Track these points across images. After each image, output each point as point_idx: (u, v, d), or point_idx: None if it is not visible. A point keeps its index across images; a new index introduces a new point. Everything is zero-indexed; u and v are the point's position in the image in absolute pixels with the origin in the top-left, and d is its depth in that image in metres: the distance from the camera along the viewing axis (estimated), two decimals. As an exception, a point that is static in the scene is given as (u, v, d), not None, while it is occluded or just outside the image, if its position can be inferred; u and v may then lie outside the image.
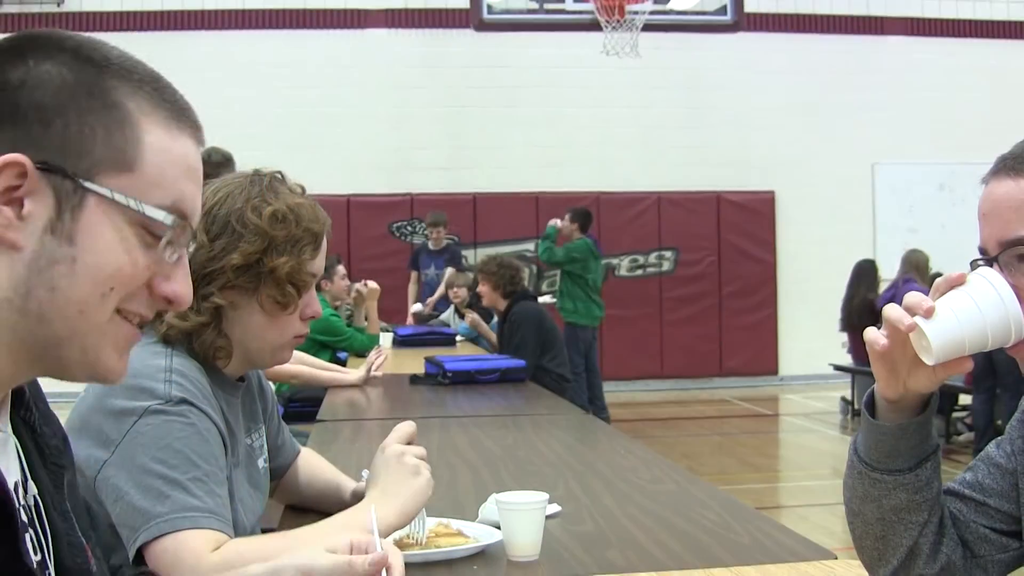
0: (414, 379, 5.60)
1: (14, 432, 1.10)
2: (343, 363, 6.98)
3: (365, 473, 2.34)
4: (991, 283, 1.44)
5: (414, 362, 6.19)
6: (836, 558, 2.01)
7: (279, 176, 2.18)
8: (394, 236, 13.63)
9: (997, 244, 1.50)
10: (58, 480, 1.16)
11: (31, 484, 1.11)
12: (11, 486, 1.03)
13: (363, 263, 12.53)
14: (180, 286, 1.09)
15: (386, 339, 8.57)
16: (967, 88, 14.33)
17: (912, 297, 1.47)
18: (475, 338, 8.81)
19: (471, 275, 9.69)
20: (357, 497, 2.35)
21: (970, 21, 14.74)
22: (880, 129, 14.30)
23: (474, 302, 9.54)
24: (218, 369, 2.11)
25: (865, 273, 10.76)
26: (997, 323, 1.43)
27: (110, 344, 1.06)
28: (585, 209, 10.96)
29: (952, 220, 13.88)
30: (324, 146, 12.99)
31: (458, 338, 8.56)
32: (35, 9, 12.93)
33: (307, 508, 2.52)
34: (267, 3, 13.58)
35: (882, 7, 14.54)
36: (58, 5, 13.02)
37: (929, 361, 1.45)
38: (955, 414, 9.64)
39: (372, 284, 7.44)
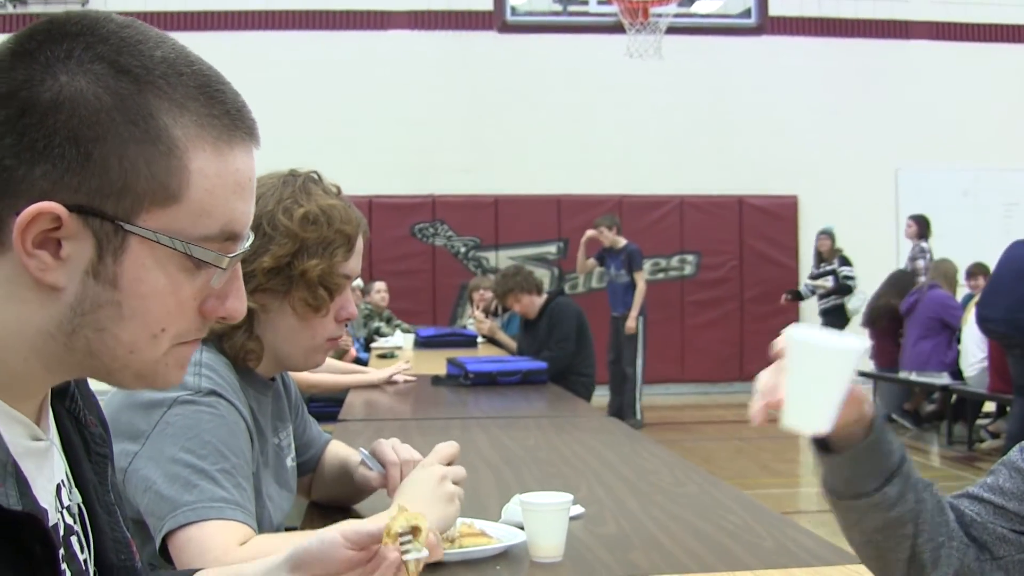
0: (436, 380, 5.61)
1: (57, 424, 1.09)
2: (364, 363, 7.00)
3: (365, 454, 2.34)
4: (798, 343, 1.39)
5: (436, 363, 6.20)
6: (859, 562, 2.00)
7: (314, 176, 2.16)
8: (416, 238, 13.64)
9: None
10: (102, 472, 1.15)
11: (74, 487, 1.10)
12: (53, 489, 1.03)
13: (385, 264, 12.55)
14: (234, 303, 1.05)
15: (408, 340, 8.59)
16: (991, 93, 14.26)
17: (762, 384, 1.42)
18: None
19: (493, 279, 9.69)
20: (361, 486, 2.35)
21: (995, 25, 14.66)
22: (904, 134, 14.25)
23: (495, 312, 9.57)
24: (249, 369, 2.11)
25: (900, 281, 10.78)
26: (829, 374, 1.38)
27: (168, 367, 1.03)
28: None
29: (975, 226, 13.83)
30: (346, 147, 12.99)
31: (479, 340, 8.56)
32: (59, 9, 12.98)
33: (331, 505, 2.52)
34: (290, 4, 13.61)
35: (906, 11, 14.47)
36: (82, 5, 13.09)
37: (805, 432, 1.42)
38: (978, 421, 9.59)
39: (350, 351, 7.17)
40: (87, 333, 0.96)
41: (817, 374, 1.37)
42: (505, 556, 2.05)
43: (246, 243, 1.04)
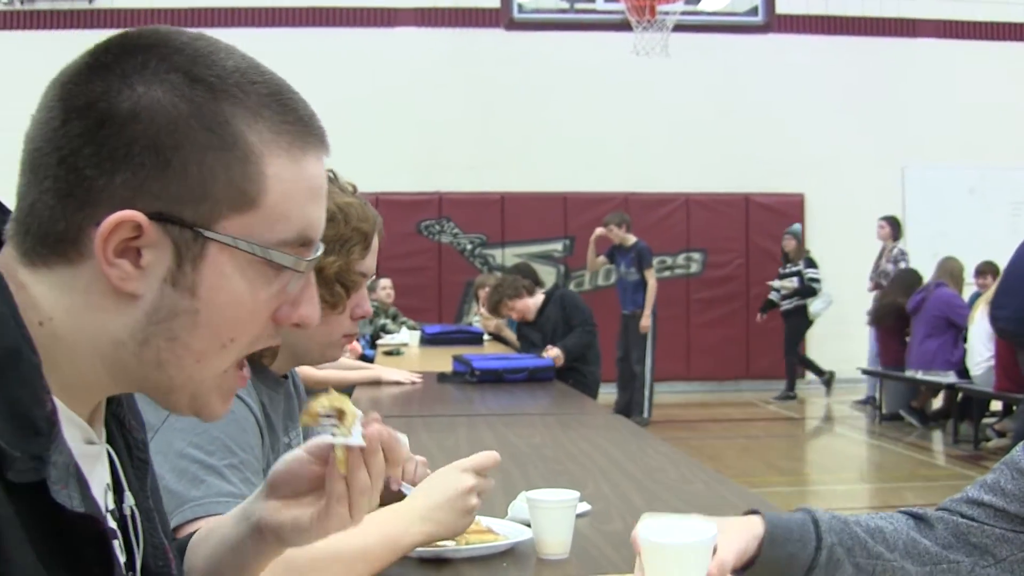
0: (442, 377, 5.61)
1: (105, 426, 1.09)
2: (370, 360, 7.00)
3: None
4: (650, 545, 1.43)
5: (442, 360, 6.20)
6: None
7: (331, 175, 2.16)
8: (422, 235, 13.65)
9: None
10: (142, 477, 1.16)
11: (127, 491, 1.11)
12: (101, 492, 1.04)
13: (391, 262, 12.55)
14: (307, 309, 1.05)
15: (414, 337, 8.60)
16: (998, 91, 14.24)
17: None
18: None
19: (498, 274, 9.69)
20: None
21: (1002, 24, 14.64)
22: (910, 132, 14.24)
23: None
24: (263, 365, 2.11)
25: (906, 280, 10.79)
26: (687, 567, 1.42)
27: (219, 393, 1.04)
28: None
29: (982, 224, 13.81)
30: (352, 144, 12.94)
31: (485, 337, 8.56)
32: (66, 6, 13.01)
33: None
34: (297, 1, 13.63)
35: (914, 9, 14.45)
36: (89, 2, 13.10)
37: None
38: (985, 420, 9.59)
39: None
40: (159, 342, 0.97)
41: (675, 570, 1.42)
42: (512, 553, 2.06)
43: (319, 249, 1.04)
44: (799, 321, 12.33)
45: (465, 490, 1.93)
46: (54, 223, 0.95)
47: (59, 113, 0.95)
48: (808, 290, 12.18)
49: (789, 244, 12.39)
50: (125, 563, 1.07)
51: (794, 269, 12.22)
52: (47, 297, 0.96)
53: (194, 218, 0.95)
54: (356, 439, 1.17)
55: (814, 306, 12.21)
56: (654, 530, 1.45)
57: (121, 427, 1.14)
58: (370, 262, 2.15)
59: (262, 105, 0.98)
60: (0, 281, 0.94)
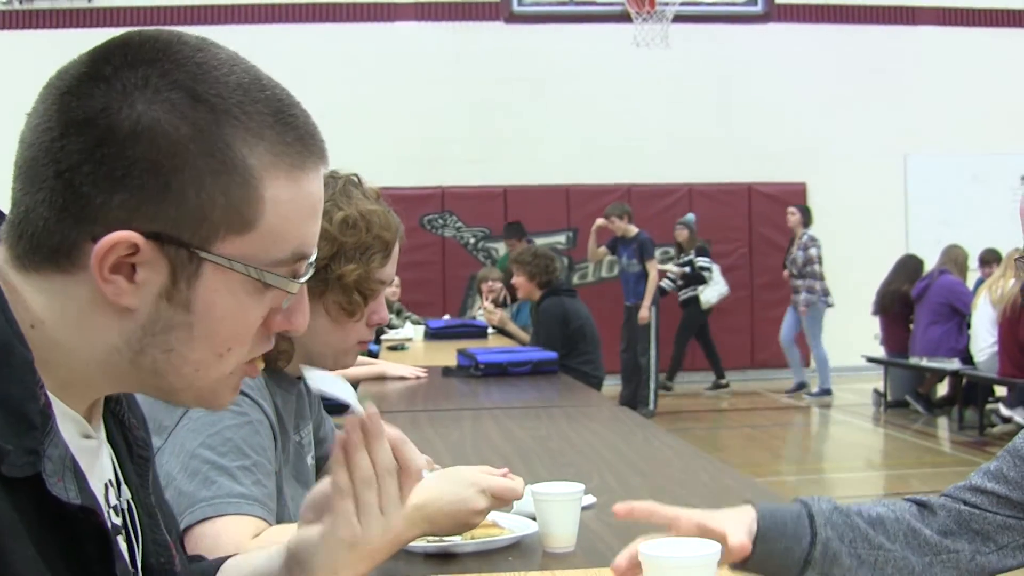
0: (446, 371, 5.61)
1: (104, 424, 1.09)
2: (374, 355, 7.00)
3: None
4: (654, 563, 1.43)
5: (446, 354, 6.20)
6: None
7: (354, 179, 2.16)
8: (425, 229, 13.64)
9: None
10: (144, 474, 1.16)
11: (124, 487, 1.11)
12: (102, 488, 1.04)
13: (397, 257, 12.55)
14: (299, 317, 1.06)
15: (418, 332, 8.60)
16: (1000, 78, 14.21)
17: None
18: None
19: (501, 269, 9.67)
20: None
21: (1003, 11, 14.61)
22: (912, 120, 14.20)
23: (505, 302, 9.54)
24: (277, 368, 2.11)
25: (908, 267, 10.85)
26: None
27: (227, 387, 1.05)
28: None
29: (985, 212, 13.78)
30: (354, 139, 12.94)
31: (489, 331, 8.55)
32: (65, 5, 13.00)
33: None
34: (297, -3, 13.63)
35: (914, -4, 14.44)
36: (88, 1, 13.09)
37: None
38: (989, 406, 9.58)
39: None
40: (155, 353, 0.98)
41: None
42: (517, 547, 2.06)
43: (312, 259, 1.05)
44: (694, 311, 12.31)
45: (475, 511, 1.85)
46: (49, 234, 0.95)
47: (57, 125, 0.94)
48: (698, 278, 12.13)
49: (681, 234, 12.32)
50: (129, 558, 1.07)
51: (686, 259, 12.18)
52: (38, 302, 0.96)
53: (191, 239, 0.95)
54: (354, 404, 1.18)
55: (705, 295, 12.18)
56: (656, 548, 1.44)
57: (120, 424, 1.14)
58: (390, 270, 2.15)
59: (264, 126, 0.98)
60: None
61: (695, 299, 12.23)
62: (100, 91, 0.94)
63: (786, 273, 12.19)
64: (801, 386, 12.33)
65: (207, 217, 0.95)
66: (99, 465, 1.05)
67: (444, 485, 1.85)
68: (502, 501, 1.91)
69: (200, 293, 0.97)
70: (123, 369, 0.99)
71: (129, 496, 1.11)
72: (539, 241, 13.33)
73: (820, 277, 11.77)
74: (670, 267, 12.25)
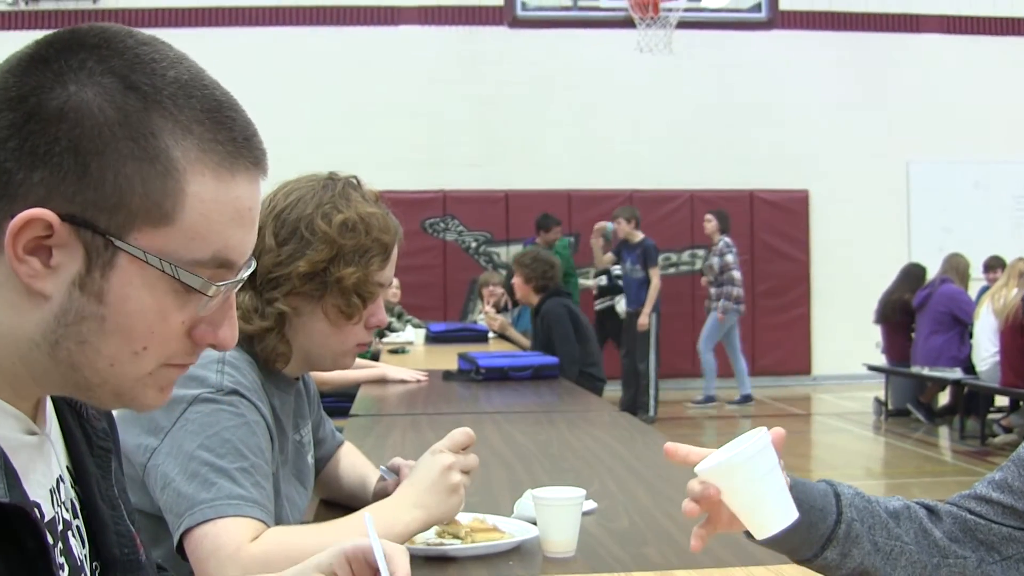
0: (447, 375, 5.60)
1: (60, 418, 1.09)
2: (376, 358, 7.00)
3: (384, 470, 2.33)
4: (722, 467, 1.46)
5: (447, 358, 6.20)
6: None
7: (353, 182, 2.16)
8: (427, 233, 13.64)
9: None
10: (105, 466, 1.15)
11: (83, 480, 1.10)
12: (49, 483, 1.03)
13: (396, 260, 12.54)
14: (225, 332, 1.04)
15: (419, 335, 8.60)
16: (1002, 86, 14.22)
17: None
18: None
19: (505, 274, 9.67)
20: (378, 496, 2.33)
21: (1005, 19, 14.61)
22: (915, 127, 14.21)
23: (505, 307, 9.53)
24: (276, 369, 2.10)
25: (912, 276, 10.85)
26: (762, 473, 1.45)
27: (152, 387, 1.03)
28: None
29: (987, 219, 13.79)
30: (356, 142, 13.00)
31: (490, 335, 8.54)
32: (71, 6, 13.00)
33: (341, 503, 2.52)
34: (300, 0, 13.62)
35: (917, 4, 14.43)
36: (94, 1, 13.09)
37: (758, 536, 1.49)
38: (991, 416, 9.57)
39: None
40: (69, 345, 0.96)
41: (754, 482, 1.44)
42: (517, 551, 2.05)
43: (243, 272, 1.03)
44: (610, 319, 12.16)
45: (444, 468, 1.93)
46: None
47: None
48: (615, 288, 12.01)
49: (598, 244, 12.22)
50: (86, 554, 1.06)
51: (602, 268, 12.07)
52: None
53: (107, 226, 0.94)
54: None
55: (620, 305, 12.07)
56: (712, 460, 1.47)
57: (78, 417, 1.13)
58: (389, 272, 2.15)
59: (194, 121, 0.97)
60: None
61: (612, 309, 12.05)
62: (38, 71, 0.94)
63: (704, 280, 12.12)
64: (710, 399, 12.18)
65: (124, 204, 0.94)
66: (44, 461, 1.04)
67: (411, 473, 1.98)
68: (459, 446, 1.99)
69: (114, 284, 0.95)
70: (44, 365, 0.97)
71: (89, 489, 1.10)
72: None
73: (737, 283, 11.70)
74: (591, 283, 12.19)
